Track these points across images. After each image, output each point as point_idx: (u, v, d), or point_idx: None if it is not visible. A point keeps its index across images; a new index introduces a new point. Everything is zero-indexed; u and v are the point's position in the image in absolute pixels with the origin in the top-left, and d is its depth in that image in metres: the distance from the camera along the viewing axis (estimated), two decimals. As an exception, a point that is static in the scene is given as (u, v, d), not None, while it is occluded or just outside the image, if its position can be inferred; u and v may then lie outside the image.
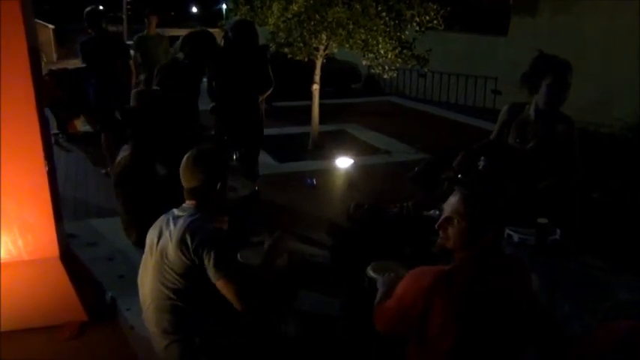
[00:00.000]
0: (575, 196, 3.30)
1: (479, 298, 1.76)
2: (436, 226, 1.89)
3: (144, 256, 2.39)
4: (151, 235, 2.35)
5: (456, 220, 1.82)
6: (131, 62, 6.30)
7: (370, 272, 2.64)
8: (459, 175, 3.21)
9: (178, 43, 4.70)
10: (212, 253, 2.13)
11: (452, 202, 1.84)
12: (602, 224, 3.58)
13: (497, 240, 1.84)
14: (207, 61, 4.65)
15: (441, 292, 1.76)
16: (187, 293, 2.20)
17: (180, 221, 2.23)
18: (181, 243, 2.16)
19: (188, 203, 2.32)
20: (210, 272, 2.14)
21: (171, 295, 2.22)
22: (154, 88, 4.37)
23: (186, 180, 2.32)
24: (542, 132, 3.23)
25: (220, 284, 2.14)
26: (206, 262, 2.14)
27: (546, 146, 3.20)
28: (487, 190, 1.86)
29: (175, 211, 2.32)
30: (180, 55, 4.58)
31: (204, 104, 5.00)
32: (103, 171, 6.07)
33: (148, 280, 2.32)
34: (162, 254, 2.23)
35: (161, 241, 2.27)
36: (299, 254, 4.01)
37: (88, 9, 5.82)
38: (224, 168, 2.42)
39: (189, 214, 2.26)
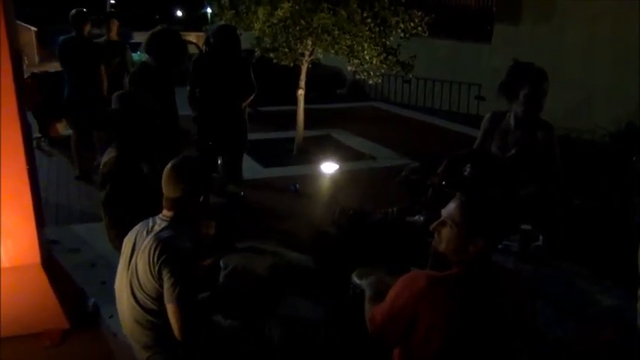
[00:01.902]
0: (557, 203, 3.34)
1: (468, 306, 1.76)
2: (431, 227, 1.90)
3: (120, 266, 2.32)
4: (127, 246, 2.29)
5: (449, 225, 1.83)
6: (102, 67, 6.01)
7: (355, 279, 2.65)
8: (443, 182, 3.23)
9: (143, 45, 4.61)
10: (171, 275, 2.08)
11: (450, 206, 1.85)
12: (584, 231, 3.62)
13: (490, 249, 1.84)
14: (176, 60, 4.56)
15: (431, 297, 1.76)
16: (165, 314, 2.13)
17: (150, 238, 2.17)
18: (148, 264, 2.11)
19: (165, 214, 2.26)
20: (165, 293, 2.10)
21: (149, 316, 2.18)
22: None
23: (167, 189, 2.25)
24: (523, 140, 3.26)
25: (169, 308, 2.10)
26: (164, 281, 2.09)
27: (526, 153, 3.23)
28: (483, 197, 1.85)
29: (150, 223, 2.26)
30: (149, 59, 4.51)
31: (187, 110, 4.97)
32: (76, 172, 6.07)
33: (124, 296, 2.26)
34: (134, 273, 2.19)
35: (134, 255, 2.22)
36: (283, 260, 4.00)
37: (73, 11, 5.78)
38: (207, 179, 2.36)
39: (161, 228, 2.20)
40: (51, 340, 3.02)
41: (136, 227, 2.31)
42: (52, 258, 3.28)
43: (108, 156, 3.52)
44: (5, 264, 2.96)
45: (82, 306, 3.30)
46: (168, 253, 2.10)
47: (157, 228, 2.22)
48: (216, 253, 2.72)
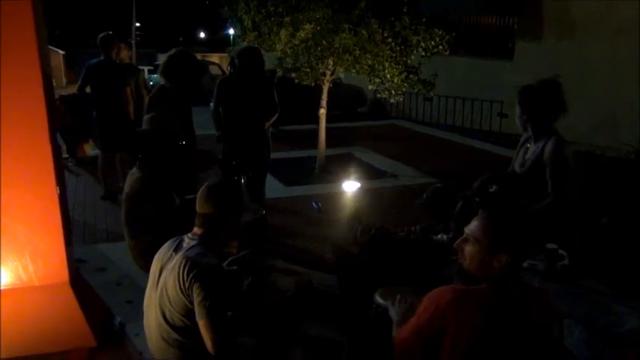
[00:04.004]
0: (575, 221, 3.27)
1: (493, 321, 1.75)
2: (454, 245, 1.90)
3: (148, 285, 2.37)
4: (155, 264, 2.34)
5: (471, 241, 1.83)
6: (128, 89, 6.09)
7: (378, 298, 2.64)
8: (476, 199, 3.20)
9: (160, 69, 4.68)
10: (201, 290, 2.11)
11: (472, 223, 1.86)
12: (611, 250, 3.56)
13: (515, 265, 1.83)
14: (191, 82, 4.63)
15: (456, 309, 1.75)
16: (194, 332, 2.16)
17: (180, 257, 2.21)
18: (178, 280, 2.15)
19: (195, 231, 2.32)
20: (196, 309, 2.13)
21: (176, 334, 2.20)
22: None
23: (199, 206, 2.33)
24: (534, 155, 3.22)
25: (201, 324, 2.12)
26: (195, 297, 2.12)
27: (536, 169, 3.18)
28: (504, 213, 1.85)
29: (178, 241, 2.32)
30: (167, 82, 4.59)
31: (208, 129, 5.04)
32: (102, 192, 6.18)
33: (152, 314, 2.30)
34: (163, 291, 2.22)
35: (163, 274, 2.26)
36: (306, 279, 4.00)
37: (101, 35, 5.92)
38: (237, 204, 2.40)
39: (190, 246, 2.25)
40: (78, 358, 3.06)
41: (165, 245, 2.36)
42: (80, 277, 3.33)
43: (132, 177, 3.58)
44: (35, 283, 3.02)
45: (109, 324, 3.35)
46: (198, 269, 2.14)
47: (185, 246, 2.27)
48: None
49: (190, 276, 2.12)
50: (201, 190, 2.35)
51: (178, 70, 4.45)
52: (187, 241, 2.29)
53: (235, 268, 2.65)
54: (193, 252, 2.21)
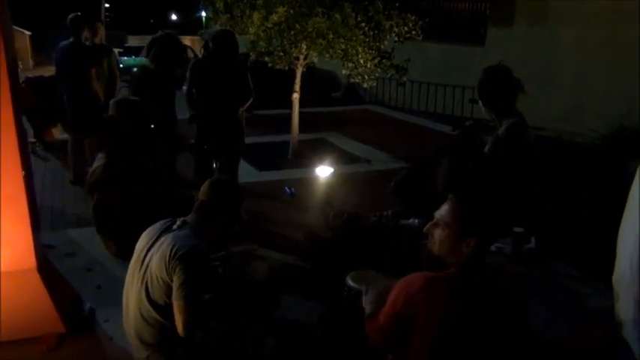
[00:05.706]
0: (540, 204, 3.32)
1: (463, 305, 1.77)
2: (424, 229, 1.92)
3: (132, 263, 2.38)
4: (142, 242, 2.36)
5: (441, 226, 1.85)
6: (93, 70, 5.90)
7: (349, 281, 2.67)
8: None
9: (144, 50, 4.72)
10: (183, 273, 2.14)
11: (443, 208, 1.87)
12: (574, 233, 3.65)
13: (483, 249, 1.86)
14: (175, 63, 4.67)
15: (426, 295, 1.77)
16: (172, 313, 2.19)
17: (169, 237, 2.25)
18: (164, 259, 2.17)
19: (189, 217, 2.36)
20: (174, 290, 2.16)
21: (156, 314, 2.23)
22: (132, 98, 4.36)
23: (201, 191, 2.40)
24: (495, 137, 3.26)
25: (176, 305, 2.16)
26: (175, 278, 2.15)
27: (495, 151, 3.22)
28: (473, 197, 1.86)
29: (170, 222, 2.36)
30: (150, 63, 4.61)
31: (183, 113, 4.99)
32: (71, 177, 6.07)
33: (133, 292, 2.31)
34: (149, 269, 2.24)
35: (150, 253, 2.28)
36: (279, 263, 4.02)
37: (71, 16, 5.77)
38: (234, 204, 2.45)
39: (180, 228, 2.30)
40: (47, 344, 3.03)
41: (155, 225, 2.40)
42: (48, 263, 3.28)
43: (97, 163, 3.54)
44: (1, 269, 2.97)
45: (78, 310, 3.31)
46: (184, 250, 2.17)
47: (175, 228, 2.31)
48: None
49: (176, 256, 2.15)
50: (211, 178, 2.46)
51: (163, 52, 4.49)
52: (179, 222, 2.33)
53: (218, 264, 2.67)
54: (183, 234, 2.25)
